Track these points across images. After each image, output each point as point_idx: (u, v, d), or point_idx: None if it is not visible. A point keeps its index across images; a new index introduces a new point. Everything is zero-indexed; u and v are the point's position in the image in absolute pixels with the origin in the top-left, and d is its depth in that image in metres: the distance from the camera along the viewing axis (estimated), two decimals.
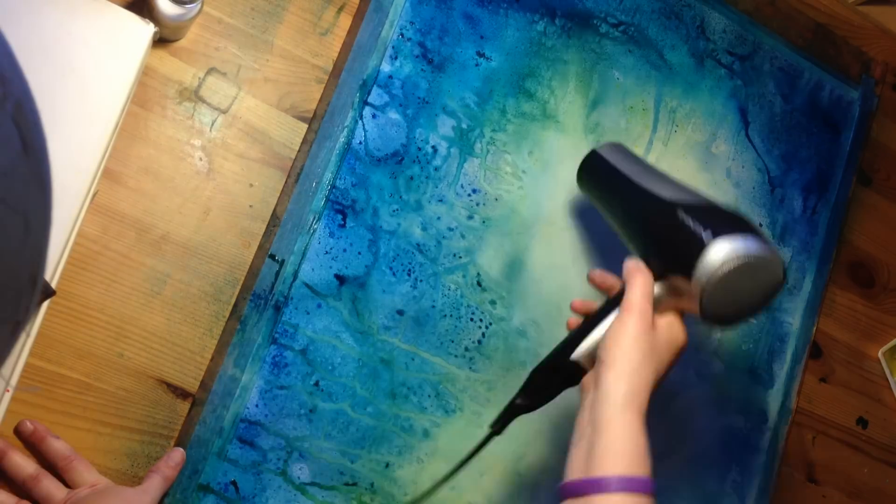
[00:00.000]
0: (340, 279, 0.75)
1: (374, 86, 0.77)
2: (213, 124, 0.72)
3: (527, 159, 0.83)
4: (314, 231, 0.74)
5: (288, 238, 0.73)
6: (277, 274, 0.72)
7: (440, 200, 0.79)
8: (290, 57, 0.76)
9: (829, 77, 0.98)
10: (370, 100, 0.77)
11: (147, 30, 0.65)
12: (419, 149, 0.79)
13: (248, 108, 0.74)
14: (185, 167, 0.71)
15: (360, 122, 0.76)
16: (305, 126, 0.75)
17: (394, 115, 0.78)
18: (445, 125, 0.80)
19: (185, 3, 0.65)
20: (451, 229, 0.79)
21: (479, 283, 0.79)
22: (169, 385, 0.69)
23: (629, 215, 0.71)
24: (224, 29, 0.73)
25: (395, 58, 0.79)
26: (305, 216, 0.73)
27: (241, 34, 0.74)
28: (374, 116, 0.77)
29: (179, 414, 0.69)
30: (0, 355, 0.40)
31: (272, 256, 0.72)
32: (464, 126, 0.80)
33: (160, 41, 0.70)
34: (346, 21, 0.78)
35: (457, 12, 0.81)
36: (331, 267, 0.74)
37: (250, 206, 0.73)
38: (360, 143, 0.76)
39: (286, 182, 0.74)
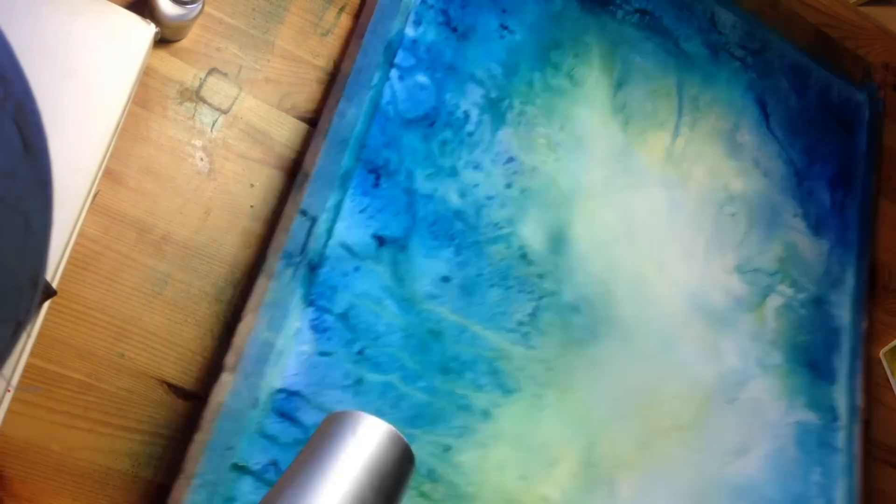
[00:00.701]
0: (380, 240, 0.70)
1: (400, 48, 0.74)
2: (214, 125, 0.72)
3: (559, 133, 0.80)
4: (347, 189, 0.70)
5: (319, 195, 0.68)
6: (309, 231, 0.67)
7: (476, 167, 0.76)
8: (291, 57, 0.76)
9: (835, 78, 0.98)
10: (396, 61, 0.74)
11: (148, 30, 0.65)
12: (450, 113, 0.76)
13: (249, 108, 0.74)
14: (186, 167, 0.71)
15: (387, 82, 0.74)
16: (306, 126, 0.75)
17: (422, 77, 0.75)
18: (475, 93, 0.77)
19: (186, 4, 0.65)
20: (489, 198, 0.75)
21: (524, 256, 0.75)
22: (170, 385, 0.69)
23: None
24: (225, 29, 0.73)
25: (419, 23, 0.76)
26: (336, 172, 0.69)
27: (242, 35, 0.74)
28: (401, 78, 0.74)
29: (180, 414, 0.69)
30: (1, 355, 0.40)
31: (303, 213, 0.67)
32: (493, 95, 0.78)
33: (161, 41, 0.70)
34: (347, 22, 0.78)
35: None
36: (367, 227, 0.70)
37: (251, 206, 0.73)
38: (389, 103, 0.73)
39: (314, 139, 0.71)
